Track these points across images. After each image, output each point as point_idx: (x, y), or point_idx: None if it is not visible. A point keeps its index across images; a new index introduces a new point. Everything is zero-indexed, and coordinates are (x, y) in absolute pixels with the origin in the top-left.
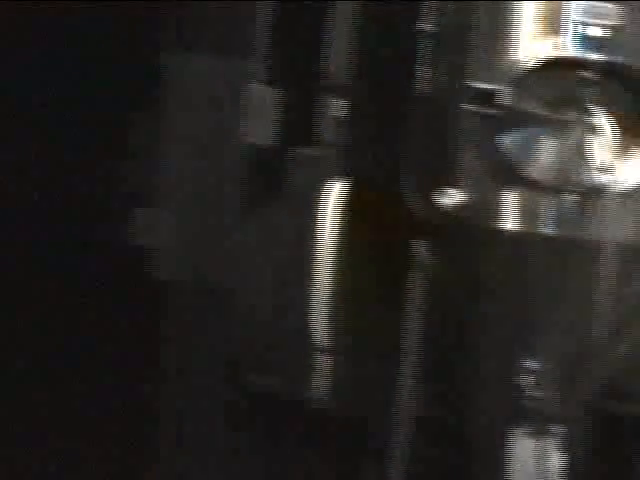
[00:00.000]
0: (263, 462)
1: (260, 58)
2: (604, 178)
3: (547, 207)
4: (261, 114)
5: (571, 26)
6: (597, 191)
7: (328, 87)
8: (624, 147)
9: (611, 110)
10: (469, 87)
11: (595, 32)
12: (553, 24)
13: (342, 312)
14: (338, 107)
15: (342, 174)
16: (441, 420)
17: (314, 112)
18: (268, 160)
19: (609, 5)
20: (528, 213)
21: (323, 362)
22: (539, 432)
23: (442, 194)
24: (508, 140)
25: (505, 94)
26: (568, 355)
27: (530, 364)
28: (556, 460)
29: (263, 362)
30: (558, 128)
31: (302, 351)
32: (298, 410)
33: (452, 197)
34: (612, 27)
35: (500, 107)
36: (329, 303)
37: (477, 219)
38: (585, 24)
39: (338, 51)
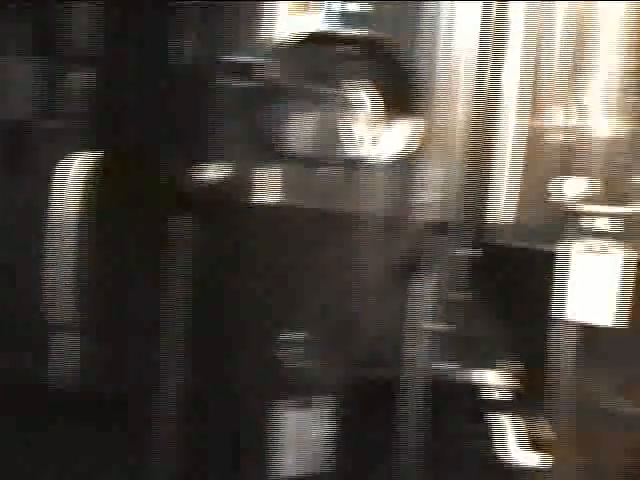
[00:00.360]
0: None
1: (12, 30)
2: (363, 150)
3: (307, 180)
4: (14, 87)
5: (328, 2)
6: (356, 163)
7: (76, 59)
8: (385, 120)
9: (371, 84)
10: (227, 60)
11: (354, 8)
12: None
13: (92, 289)
14: (87, 79)
15: (93, 147)
16: (206, 396)
17: (62, 85)
18: (17, 133)
19: None
20: (288, 187)
21: (68, 341)
22: (304, 403)
23: (202, 169)
24: (267, 114)
25: (263, 68)
26: (329, 326)
27: (292, 336)
28: (322, 429)
29: (6, 341)
30: (317, 102)
31: (45, 330)
32: (44, 390)
33: (212, 172)
34: (372, 3)
35: (258, 81)
36: (76, 280)
37: (237, 193)
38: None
39: (86, 22)
